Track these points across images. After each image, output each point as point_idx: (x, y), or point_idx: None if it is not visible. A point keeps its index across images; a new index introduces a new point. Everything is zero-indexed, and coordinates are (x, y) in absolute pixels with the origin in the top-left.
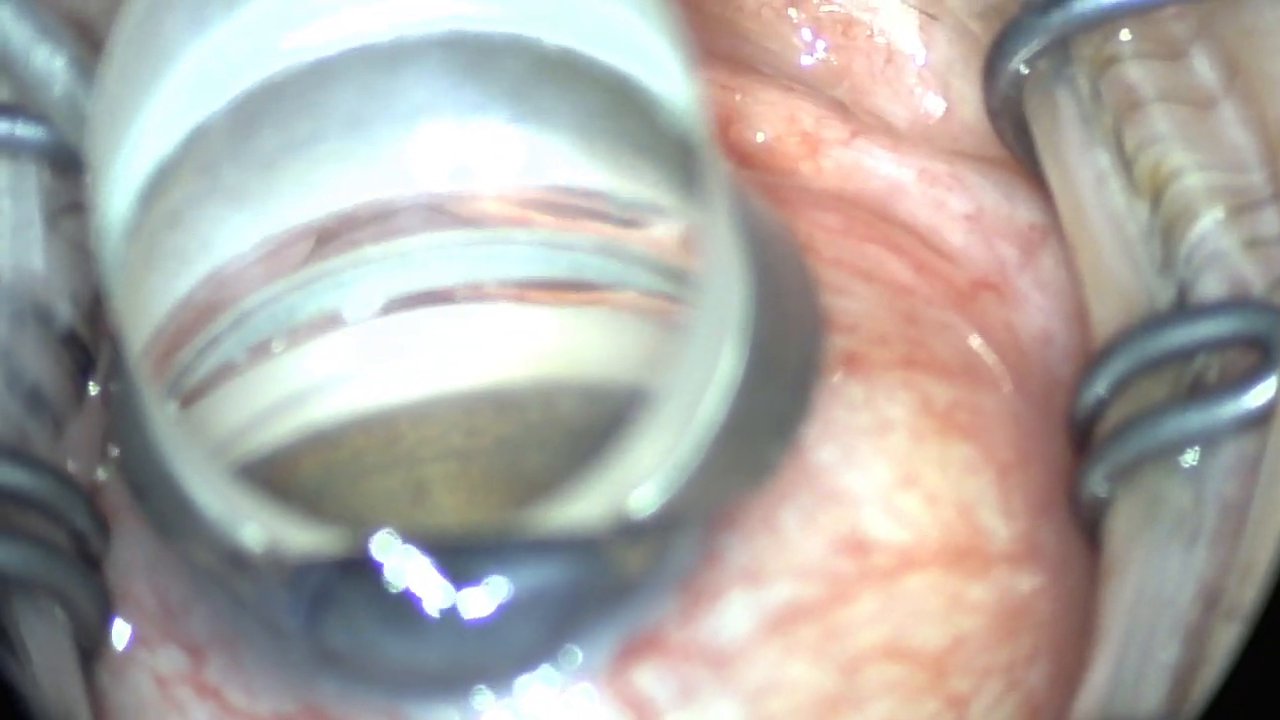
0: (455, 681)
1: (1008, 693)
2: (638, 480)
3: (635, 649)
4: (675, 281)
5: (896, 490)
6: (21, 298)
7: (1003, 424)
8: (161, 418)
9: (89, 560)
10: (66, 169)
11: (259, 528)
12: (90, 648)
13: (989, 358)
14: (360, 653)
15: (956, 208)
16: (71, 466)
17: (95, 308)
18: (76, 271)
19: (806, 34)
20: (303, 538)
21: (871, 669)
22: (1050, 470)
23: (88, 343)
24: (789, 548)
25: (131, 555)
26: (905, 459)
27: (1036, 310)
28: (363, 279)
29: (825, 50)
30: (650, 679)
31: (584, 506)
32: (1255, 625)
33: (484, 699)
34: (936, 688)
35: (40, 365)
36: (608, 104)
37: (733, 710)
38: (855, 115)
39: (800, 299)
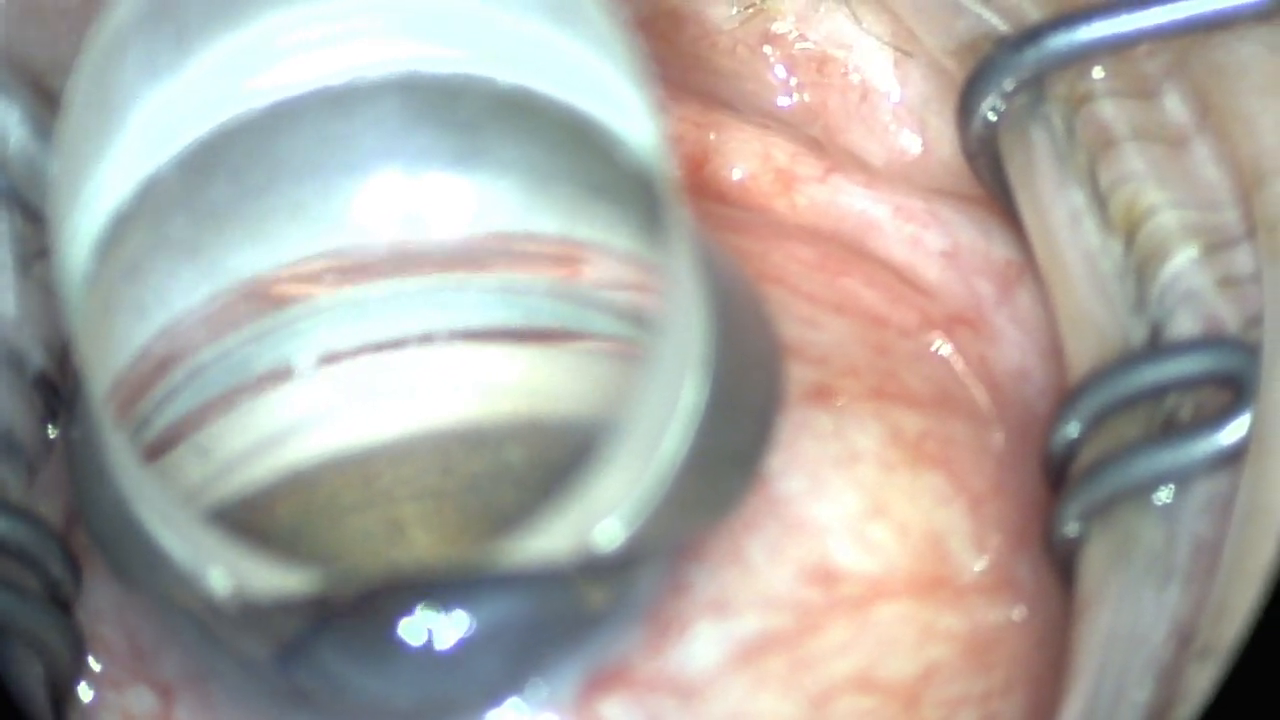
0: (424, 716)
1: None
2: (602, 514)
3: (602, 681)
4: (632, 324)
5: (866, 520)
6: None
7: (975, 454)
8: (124, 466)
9: (61, 604)
10: (39, 215)
11: (225, 572)
12: (62, 692)
13: (962, 390)
14: (329, 691)
15: (933, 244)
16: (44, 510)
17: (68, 352)
18: (49, 316)
19: (781, 71)
20: (271, 580)
21: (842, 700)
22: (1025, 503)
23: (60, 387)
24: (756, 578)
25: (101, 596)
26: (875, 488)
27: (1013, 346)
28: (316, 329)
29: (800, 88)
30: (617, 711)
31: (549, 541)
32: (1236, 666)
33: None
34: (909, 718)
35: (12, 409)
36: (563, 143)
37: None
38: (830, 152)
39: (758, 333)
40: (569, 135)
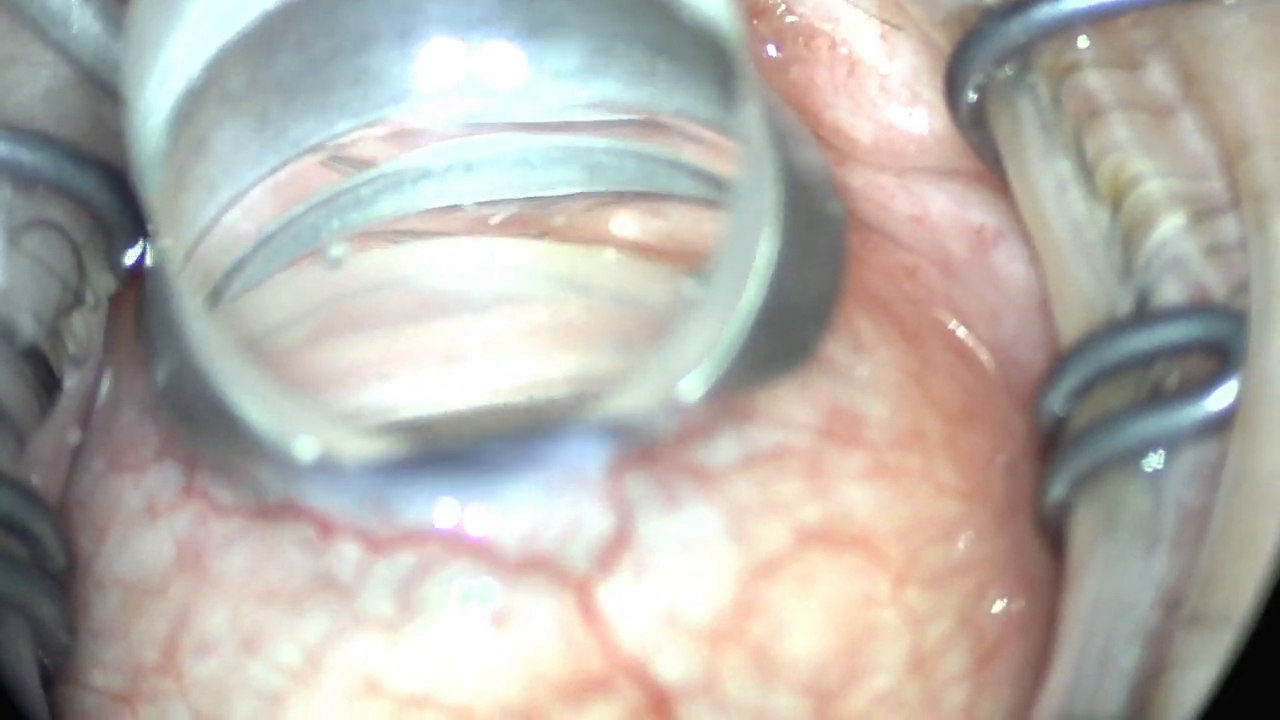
0: (443, 475)
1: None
2: (685, 368)
3: (630, 460)
4: (706, 182)
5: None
6: None
7: (951, 376)
8: (206, 340)
9: (51, 574)
10: (30, 185)
11: (312, 439)
12: (52, 661)
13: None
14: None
15: (901, 210)
16: (35, 481)
17: (57, 323)
18: (39, 287)
19: (770, 47)
20: (357, 446)
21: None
22: (995, 432)
23: (50, 359)
24: (785, 404)
25: (130, 408)
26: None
27: (983, 297)
28: (382, 195)
29: (787, 62)
30: (640, 484)
31: (635, 394)
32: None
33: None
34: (898, 567)
35: (2, 381)
36: (628, 6)
37: (714, 520)
38: (816, 131)
39: (821, 190)
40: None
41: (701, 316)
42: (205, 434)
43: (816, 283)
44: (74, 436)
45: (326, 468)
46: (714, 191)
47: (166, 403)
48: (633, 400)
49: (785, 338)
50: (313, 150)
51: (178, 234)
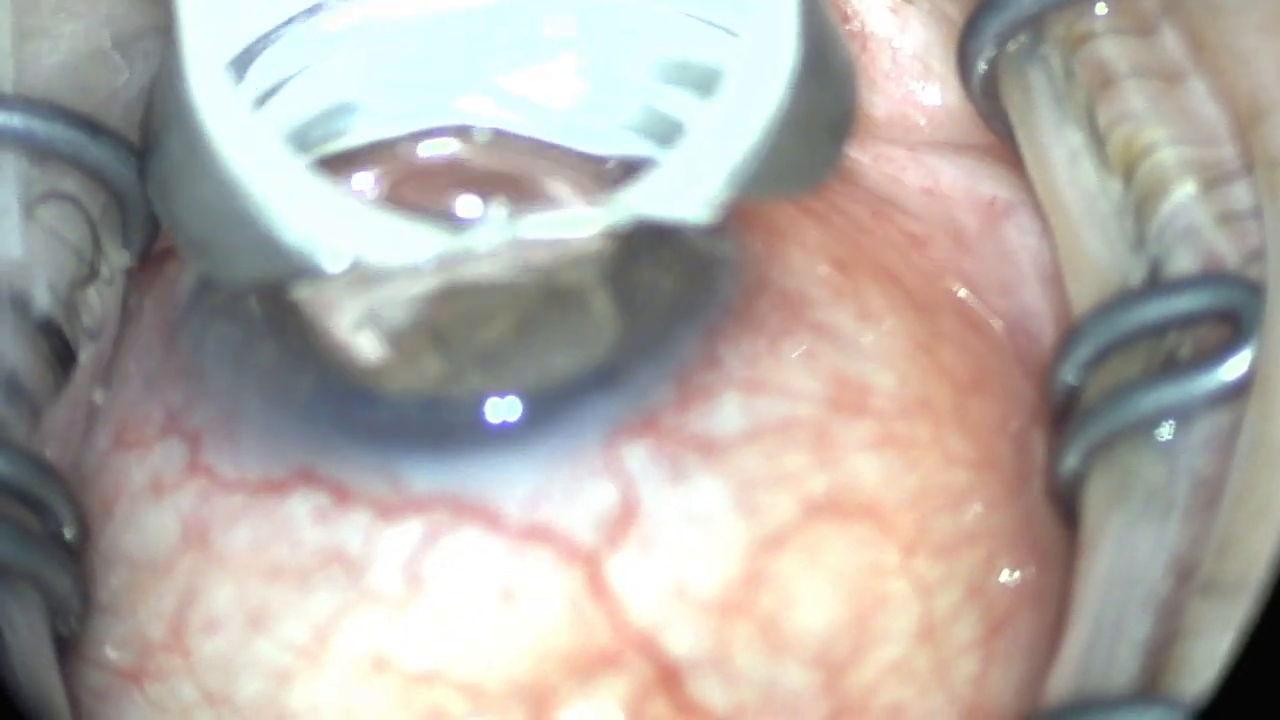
0: (448, 442)
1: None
2: (712, 174)
3: (628, 429)
4: None
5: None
6: None
7: (961, 346)
8: (238, 144)
9: (65, 546)
10: (45, 157)
11: (342, 242)
12: (67, 629)
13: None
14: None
15: (912, 182)
16: (49, 453)
17: (72, 295)
18: (54, 260)
19: None
20: (392, 247)
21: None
22: (1006, 402)
23: (65, 331)
24: (790, 371)
25: (137, 377)
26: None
27: (993, 268)
28: None
29: None
30: (640, 457)
31: (665, 192)
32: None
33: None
34: (902, 534)
35: (17, 353)
36: None
37: (720, 493)
38: None
39: (833, 25)
40: None
41: (726, 119)
42: (235, 263)
43: (835, 102)
44: (99, 396)
45: (338, 415)
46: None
47: (191, 238)
48: (663, 197)
49: (809, 149)
50: None
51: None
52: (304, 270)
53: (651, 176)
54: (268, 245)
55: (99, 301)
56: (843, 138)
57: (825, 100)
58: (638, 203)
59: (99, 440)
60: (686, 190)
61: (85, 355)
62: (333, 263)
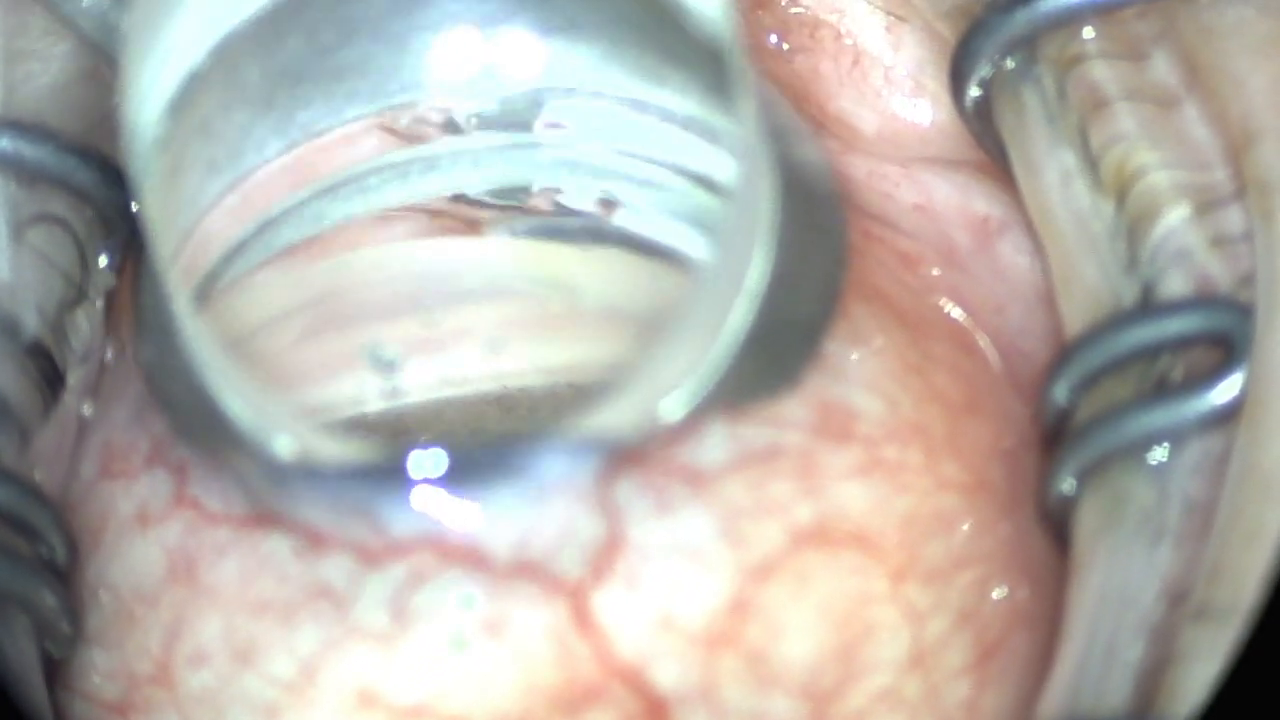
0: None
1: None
2: (668, 387)
3: (616, 464)
4: (702, 187)
5: (895, 378)
6: None
7: (953, 368)
8: (191, 326)
9: (54, 569)
10: (34, 180)
11: (292, 438)
12: (55, 656)
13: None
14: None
15: (905, 199)
16: (38, 476)
17: (61, 318)
18: (43, 282)
19: (773, 37)
20: (336, 447)
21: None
22: (997, 423)
23: (54, 354)
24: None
25: (122, 410)
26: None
27: (988, 288)
28: (389, 184)
29: (792, 53)
30: (630, 491)
31: (616, 413)
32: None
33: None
34: (895, 562)
35: (6, 376)
36: (636, 12)
37: (706, 523)
38: (817, 119)
39: (820, 190)
40: (642, 4)
41: (689, 334)
42: (194, 427)
43: (810, 303)
44: (88, 409)
45: (308, 471)
46: (711, 198)
47: (156, 391)
48: (614, 416)
49: (773, 360)
50: (319, 135)
51: (171, 218)
52: (259, 456)
53: (611, 390)
54: (228, 427)
55: (87, 323)
56: (813, 345)
57: (800, 305)
58: (593, 418)
59: (85, 468)
60: (645, 405)
61: (74, 377)
62: (284, 453)
